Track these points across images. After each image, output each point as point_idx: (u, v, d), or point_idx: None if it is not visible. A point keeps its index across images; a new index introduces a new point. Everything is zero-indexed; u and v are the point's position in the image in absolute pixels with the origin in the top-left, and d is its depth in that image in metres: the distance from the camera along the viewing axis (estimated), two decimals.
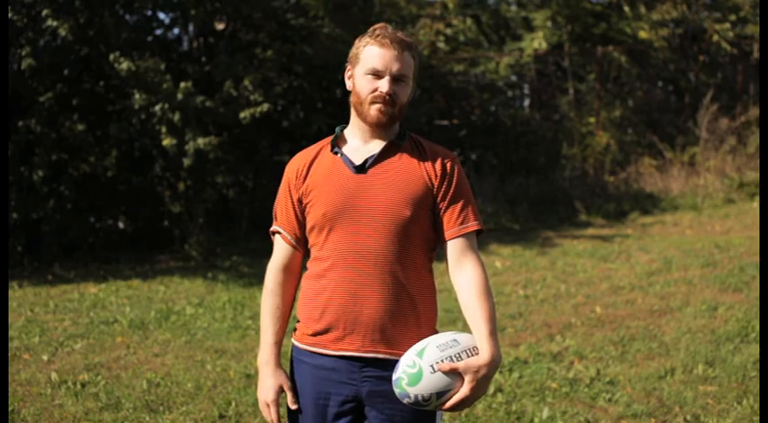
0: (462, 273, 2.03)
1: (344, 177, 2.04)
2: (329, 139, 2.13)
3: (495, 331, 1.95)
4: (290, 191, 2.12)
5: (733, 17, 12.71)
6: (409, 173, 2.04)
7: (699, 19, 13.42)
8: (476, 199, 2.17)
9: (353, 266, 2.00)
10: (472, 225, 2.06)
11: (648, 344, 4.98)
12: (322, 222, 2.04)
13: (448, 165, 2.06)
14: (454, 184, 2.06)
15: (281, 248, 2.15)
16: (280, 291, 2.14)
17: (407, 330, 2.02)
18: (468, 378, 1.86)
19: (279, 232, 2.15)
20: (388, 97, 1.99)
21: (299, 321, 2.15)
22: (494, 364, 1.89)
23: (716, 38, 12.53)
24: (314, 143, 2.19)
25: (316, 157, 2.11)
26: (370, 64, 2.00)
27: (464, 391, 1.86)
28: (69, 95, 8.86)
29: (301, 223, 2.11)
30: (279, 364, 2.12)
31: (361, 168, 2.04)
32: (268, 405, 2.10)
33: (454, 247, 2.05)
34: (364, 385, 2.02)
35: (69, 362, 4.84)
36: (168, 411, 3.98)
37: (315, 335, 2.07)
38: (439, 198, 2.05)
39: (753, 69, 13.03)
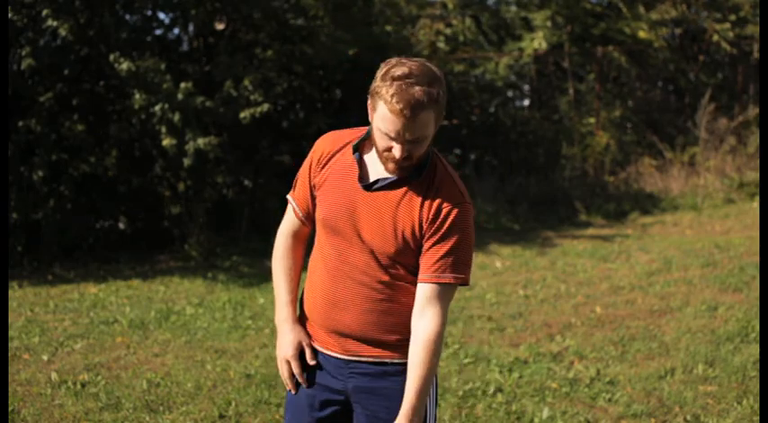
0: (420, 320, 1.96)
1: (352, 189, 2.01)
2: (361, 133, 2.07)
3: (417, 402, 1.92)
4: (310, 171, 2.11)
5: (733, 17, 12.70)
6: (406, 212, 1.96)
7: (699, 19, 13.43)
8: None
9: (339, 277, 2.01)
10: (446, 277, 1.95)
11: (648, 344, 4.98)
12: (322, 223, 2.07)
13: (443, 211, 1.94)
14: (443, 231, 1.94)
15: (291, 218, 2.19)
16: (291, 254, 2.18)
17: (391, 336, 2.03)
18: None
19: (291, 205, 2.18)
20: (401, 160, 1.92)
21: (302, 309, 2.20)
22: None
23: (716, 38, 12.53)
24: (315, 141, 2.17)
25: (340, 150, 2.07)
26: (383, 126, 1.87)
27: None
28: (69, 95, 8.85)
29: (314, 202, 2.12)
30: (296, 321, 2.12)
31: (369, 187, 2.00)
32: (288, 361, 2.09)
33: (421, 292, 1.96)
34: (350, 381, 2.06)
35: (69, 362, 4.84)
36: (168, 411, 3.98)
37: (307, 327, 2.14)
38: (424, 240, 1.97)
39: (753, 69, 13.03)
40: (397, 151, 1.88)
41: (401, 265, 2.00)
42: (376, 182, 1.99)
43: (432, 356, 1.93)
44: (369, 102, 1.93)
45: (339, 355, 2.05)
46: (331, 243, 2.03)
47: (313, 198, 2.11)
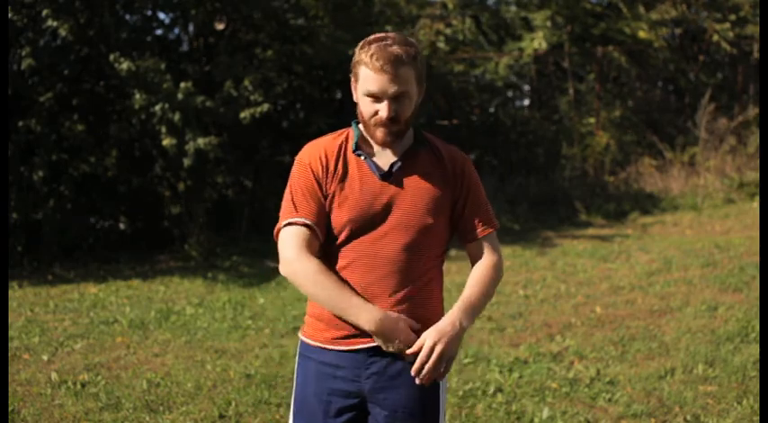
0: (477, 264, 2.12)
1: (371, 183, 2.02)
2: (344, 133, 2.10)
3: (467, 308, 2.00)
4: (317, 182, 2.04)
5: (733, 17, 12.71)
6: (431, 181, 2.05)
7: (699, 19, 13.44)
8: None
9: (370, 271, 2.00)
10: (490, 227, 2.13)
11: (648, 344, 4.98)
12: (344, 226, 2.02)
13: (464, 170, 2.12)
14: (472, 188, 2.12)
15: (304, 238, 2.02)
16: (325, 267, 2.01)
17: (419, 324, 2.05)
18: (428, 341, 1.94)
19: (305, 224, 2.02)
20: (389, 121, 1.97)
21: (304, 316, 2.15)
22: (445, 328, 1.95)
23: (716, 38, 12.54)
24: (303, 154, 2.13)
25: (340, 155, 2.06)
26: (366, 87, 1.96)
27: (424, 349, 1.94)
28: (69, 95, 8.86)
29: (327, 215, 2.05)
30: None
31: (388, 175, 2.03)
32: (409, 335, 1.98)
33: (476, 248, 2.12)
34: (368, 382, 2.04)
35: (69, 362, 4.84)
36: (168, 411, 3.98)
37: (327, 332, 2.06)
38: (458, 203, 2.09)
39: (753, 69, 13.04)
40: (383, 110, 1.95)
41: (434, 242, 2.06)
42: (391, 168, 2.04)
43: (483, 278, 2.07)
44: (352, 80, 2.02)
45: (366, 346, 2.01)
46: (359, 241, 2.02)
47: (326, 210, 2.04)
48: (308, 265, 1.99)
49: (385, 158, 2.06)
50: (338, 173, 2.04)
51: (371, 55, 1.93)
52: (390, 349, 1.98)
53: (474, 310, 2.03)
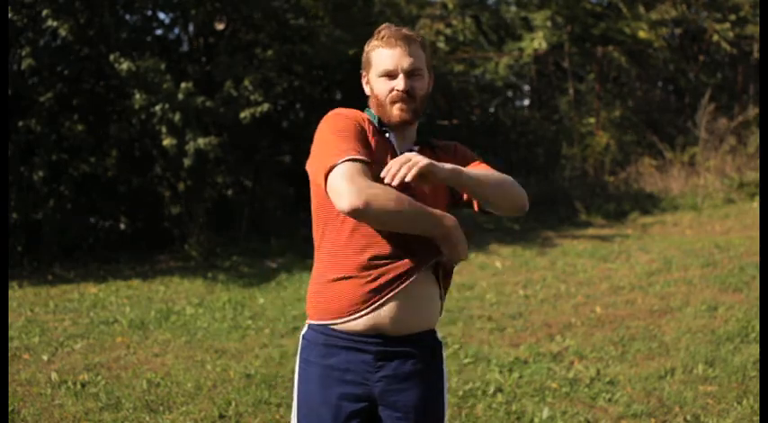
0: None
1: None
2: (362, 114, 2.08)
3: (459, 171, 1.92)
4: (363, 132, 1.99)
5: (733, 17, 12.72)
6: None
7: (699, 19, 13.44)
8: None
9: (376, 252, 1.97)
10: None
11: (648, 344, 4.98)
12: None
13: (457, 148, 2.19)
14: (468, 158, 2.15)
15: (368, 173, 1.90)
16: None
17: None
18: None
19: (366, 162, 1.90)
20: (405, 94, 2.01)
21: (305, 317, 2.13)
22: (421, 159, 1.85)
23: (716, 38, 12.54)
24: (338, 116, 2.07)
25: (371, 125, 2.05)
26: (381, 66, 2.03)
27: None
28: (69, 95, 8.86)
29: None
30: None
31: None
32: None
33: None
34: (378, 385, 2.02)
35: (69, 362, 4.84)
36: (168, 411, 3.98)
37: (333, 316, 2.02)
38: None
39: (753, 69, 13.04)
40: (400, 83, 2.01)
41: None
42: (410, 150, 2.07)
43: (499, 175, 2.05)
44: (363, 75, 2.10)
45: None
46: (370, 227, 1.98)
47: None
48: (385, 187, 1.86)
49: (403, 142, 2.09)
50: (372, 139, 2.02)
51: (383, 37, 2.04)
52: (449, 252, 1.97)
53: (468, 172, 1.94)
